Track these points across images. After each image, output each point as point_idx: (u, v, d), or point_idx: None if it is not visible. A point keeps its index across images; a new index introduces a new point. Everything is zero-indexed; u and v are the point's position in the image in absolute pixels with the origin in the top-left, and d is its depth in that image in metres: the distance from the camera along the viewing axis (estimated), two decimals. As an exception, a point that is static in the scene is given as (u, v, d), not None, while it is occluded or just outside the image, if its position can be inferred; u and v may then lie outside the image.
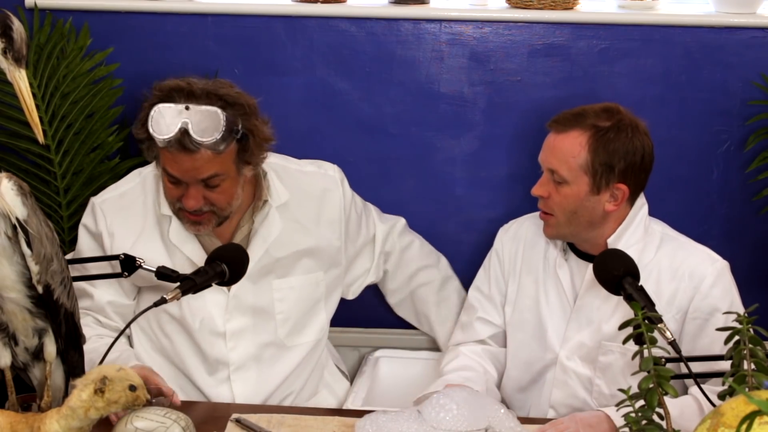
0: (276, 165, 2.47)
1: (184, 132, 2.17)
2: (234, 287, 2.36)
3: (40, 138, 1.86)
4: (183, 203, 2.27)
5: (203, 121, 2.18)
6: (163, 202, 2.38)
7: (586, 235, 2.37)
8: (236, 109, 2.24)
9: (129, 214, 2.40)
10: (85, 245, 2.43)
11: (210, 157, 2.21)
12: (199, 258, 2.34)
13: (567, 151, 2.30)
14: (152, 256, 2.34)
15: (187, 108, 2.18)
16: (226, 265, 2.14)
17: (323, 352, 2.59)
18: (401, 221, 2.76)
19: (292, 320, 2.46)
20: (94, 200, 2.44)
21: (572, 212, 2.33)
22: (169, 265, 2.30)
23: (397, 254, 2.73)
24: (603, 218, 2.34)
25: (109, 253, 2.37)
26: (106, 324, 2.42)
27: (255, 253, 2.36)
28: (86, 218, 2.44)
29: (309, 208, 2.48)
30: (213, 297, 2.37)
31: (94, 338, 2.34)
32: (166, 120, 2.19)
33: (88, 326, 2.34)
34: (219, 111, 2.19)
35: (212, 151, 2.20)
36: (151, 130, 2.19)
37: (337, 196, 2.51)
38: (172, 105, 2.20)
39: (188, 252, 2.37)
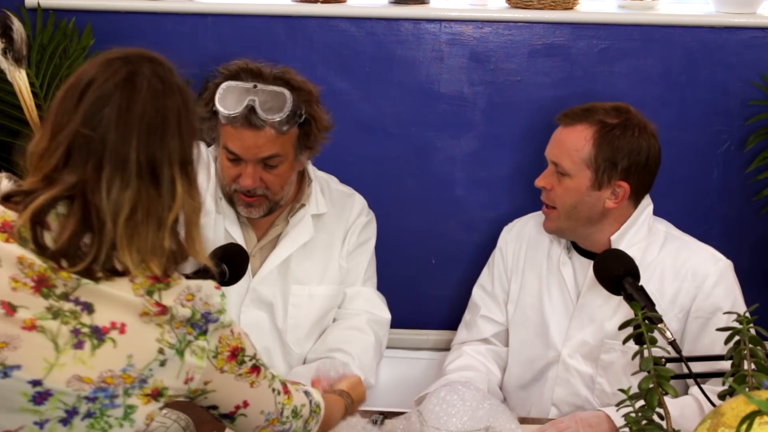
0: (321, 179, 2.53)
1: (251, 109, 2.24)
2: (255, 281, 2.40)
3: (41, 138, 1.86)
4: (240, 182, 2.32)
5: (270, 101, 2.25)
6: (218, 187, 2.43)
7: (584, 232, 2.37)
8: (301, 94, 2.31)
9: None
10: None
11: (273, 136, 2.27)
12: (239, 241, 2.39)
13: (572, 144, 2.31)
14: (210, 234, 2.40)
15: (255, 87, 2.26)
16: (227, 266, 2.14)
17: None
18: (382, 316, 2.56)
19: (303, 328, 2.46)
20: None
21: (572, 206, 2.33)
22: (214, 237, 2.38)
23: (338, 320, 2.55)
24: (602, 215, 2.34)
25: None
26: None
27: (281, 254, 2.40)
28: None
29: (342, 226, 2.51)
30: (233, 287, 2.38)
31: None
32: (234, 96, 2.26)
33: None
34: (286, 92, 2.26)
35: (276, 131, 2.26)
36: (217, 105, 2.26)
37: (360, 224, 2.53)
38: (240, 83, 2.27)
39: (232, 232, 2.41)
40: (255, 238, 2.44)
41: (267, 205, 2.36)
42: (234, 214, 2.42)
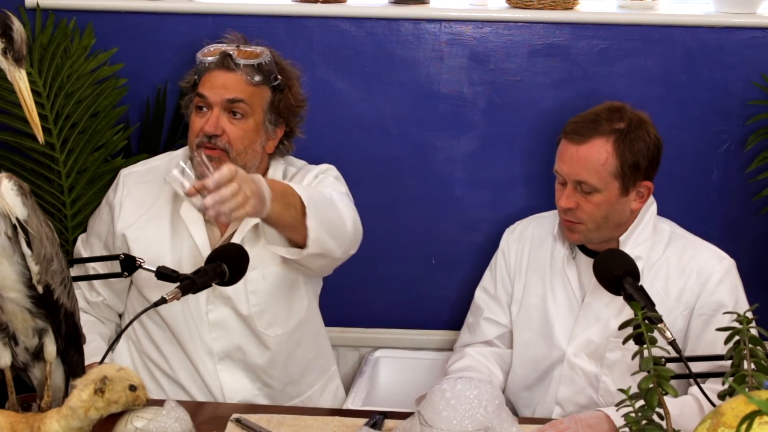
0: (289, 160, 2.51)
1: (226, 54, 2.35)
2: None
3: (40, 138, 1.86)
4: (203, 129, 2.34)
5: (246, 54, 2.36)
6: None
7: (610, 235, 2.38)
8: (279, 66, 2.41)
9: (147, 189, 2.47)
10: (98, 216, 2.52)
11: (243, 82, 2.34)
12: (202, 241, 2.38)
13: (594, 160, 2.31)
14: (155, 231, 2.41)
15: (237, 47, 2.39)
16: (227, 266, 2.14)
17: (315, 337, 2.57)
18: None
19: (269, 312, 2.43)
20: (122, 171, 2.53)
21: (604, 218, 2.34)
22: (168, 243, 2.39)
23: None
24: (630, 217, 2.36)
25: (115, 224, 2.44)
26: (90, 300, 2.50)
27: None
28: (111, 189, 2.53)
29: None
30: None
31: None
32: (214, 48, 2.39)
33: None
34: (266, 50, 2.38)
35: (247, 77, 2.34)
36: (198, 55, 2.38)
37: (311, 176, 2.47)
38: (224, 44, 2.42)
39: (194, 232, 2.40)
40: (219, 235, 2.42)
41: (225, 162, 2.31)
42: (199, 214, 2.39)
